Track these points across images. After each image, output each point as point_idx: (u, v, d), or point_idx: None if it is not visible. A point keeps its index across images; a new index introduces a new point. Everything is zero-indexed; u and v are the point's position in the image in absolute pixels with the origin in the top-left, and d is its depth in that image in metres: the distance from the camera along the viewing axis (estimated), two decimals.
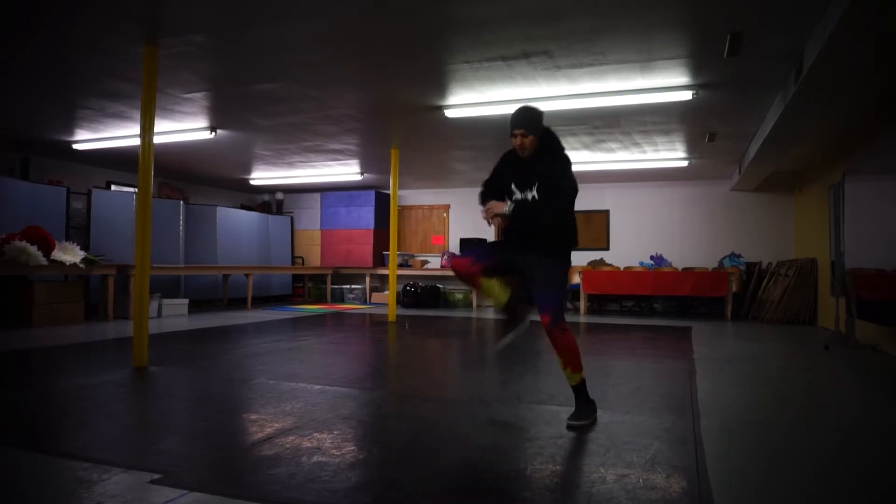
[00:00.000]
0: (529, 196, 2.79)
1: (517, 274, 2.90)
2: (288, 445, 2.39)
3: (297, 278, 12.26)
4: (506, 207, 2.78)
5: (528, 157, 2.82)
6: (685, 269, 9.75)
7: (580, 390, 2.84)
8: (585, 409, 2.82)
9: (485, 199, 2.96)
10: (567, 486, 1.98)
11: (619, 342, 6.03)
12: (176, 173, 10.22)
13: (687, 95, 5.18)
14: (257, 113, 6.28)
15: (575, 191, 2.80)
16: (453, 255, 2.82)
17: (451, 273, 11.90)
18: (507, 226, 2.89)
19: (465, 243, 10.93)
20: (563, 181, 2.75)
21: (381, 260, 11.67)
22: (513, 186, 2.86)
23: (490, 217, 2.85)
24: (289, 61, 4.73)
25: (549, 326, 2.76)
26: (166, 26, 4.05)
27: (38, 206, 7.61)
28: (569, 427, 2.72)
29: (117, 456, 2.24)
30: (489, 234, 11.34)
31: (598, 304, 10.52)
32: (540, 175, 2.77)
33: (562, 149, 2.88)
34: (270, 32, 4.17)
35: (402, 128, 6.83)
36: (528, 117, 2.80)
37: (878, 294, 5.17)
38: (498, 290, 2.85)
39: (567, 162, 2.83)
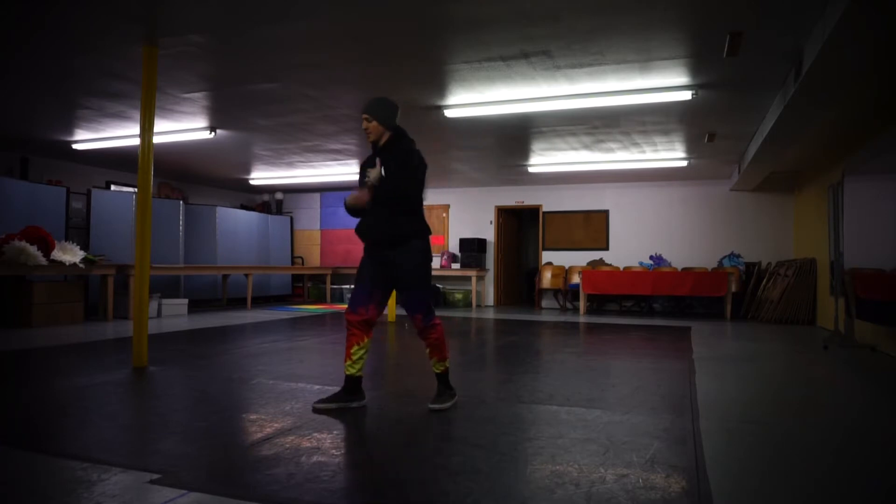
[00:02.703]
0: (373, 176, 2.98)
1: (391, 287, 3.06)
2: (287, 445, 2.39)
3: (296, 278, 12.26)
4: (372, 176, 2.92)
5: (378, 146, 3.05)
6: (684, 269, 9.76)
7: (443, 377, 3.09)
8: (446, 393, 3.08)
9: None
10: (567, 485, 1.98)
11: (619, 342, 6.03)
12: (176, 173, 10.22)
13: (686, 95, 5.18)
14: (256, 113, 6.28)
15: (417, 182, 3.00)
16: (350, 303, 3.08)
17: (450, 273, 11.81)
18: (366, 209, 3.03)
19: (465, 243, 10.93)
20: (401, 170, 2.95)
21: None
22: (366, 171, 3.06)
23: (366, 190, 2.97)
24: (288, 61, 4.74)
25: (420, 327, 2.97)
26: (166, 26, 4.05)
27: (38, 206, 7.60)
28: (431, 410, 2.97)
29: (116, 456, 2.24)
30: (489, 233, 11.35)
31: (598, 304, 10.53)
32: (384, 159, 3.00)
33: (410, 144, 3.08)
34: (270, 32, 4.17)
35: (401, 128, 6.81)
36: (376, 105, 3.01)
37: (877, 294, 5.16)
38: (359, 360, 3.02)
39: (411, 153, 3.02)
